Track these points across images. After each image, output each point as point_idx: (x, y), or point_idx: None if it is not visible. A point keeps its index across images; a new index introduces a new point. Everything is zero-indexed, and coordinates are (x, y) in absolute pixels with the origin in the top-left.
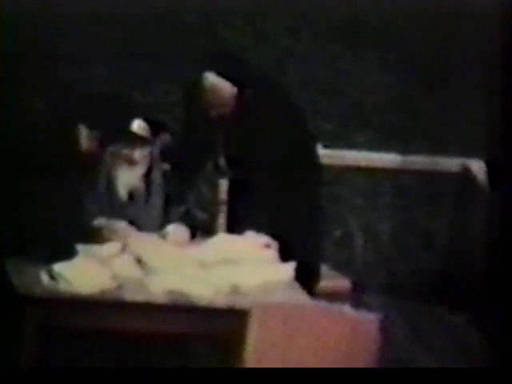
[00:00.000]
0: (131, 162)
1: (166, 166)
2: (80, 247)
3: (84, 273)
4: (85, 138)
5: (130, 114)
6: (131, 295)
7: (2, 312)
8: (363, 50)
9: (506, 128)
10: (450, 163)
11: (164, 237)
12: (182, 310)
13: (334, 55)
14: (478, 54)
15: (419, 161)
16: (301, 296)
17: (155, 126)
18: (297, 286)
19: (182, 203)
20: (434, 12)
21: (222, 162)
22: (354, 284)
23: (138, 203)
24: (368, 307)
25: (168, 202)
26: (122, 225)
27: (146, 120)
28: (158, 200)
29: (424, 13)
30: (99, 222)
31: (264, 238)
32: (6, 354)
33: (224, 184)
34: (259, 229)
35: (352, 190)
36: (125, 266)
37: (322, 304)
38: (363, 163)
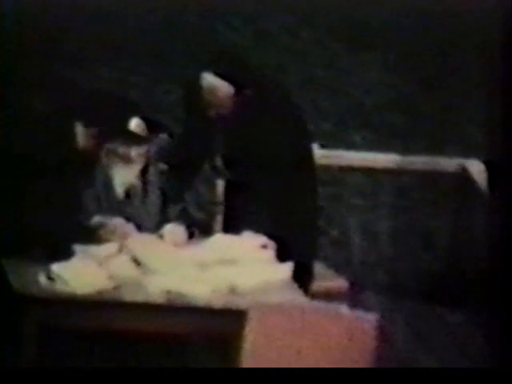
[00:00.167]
0: (128, 161)
1: (163, 166)
2: (78, 247)
3: (82, 273)
4: (82, 136)
5: (127, 113)
6: (129, 295)
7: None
8: (363, 50)
9: (506, 128)
10: (450, 163)
11: (162, 237)
12: (179, 310)
13: (334, 55)
14: (478, 54)
15: (418, 161)
16: (298, 296)
17: (153, 125)
18: (294, 286)
19: (179, 202)
20: (434, 12)
21: (220, 162)
22: (352, 284)
23: (135, 201)
24: (367, 307)
25: (165, 200)
26: (119, 221)
27: (144, 119)
28: (155, 198)
29: (424, 13)
30: (96, 220)
31: (262, 239)
32: (3, 353)
33: (221, 184)
34: (257, 229)
35: (351, 190)
36: (122, 267)
37: (320, 304)
38: (362, 163)
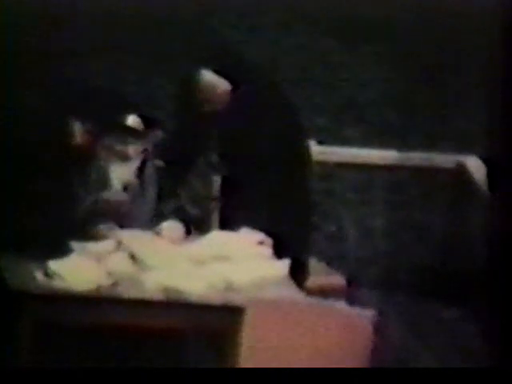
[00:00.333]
0: (125, 157)
1: (160, 162)
2: (75, 244)
3: (79, 270)
4: (78, 132)
5: (124, 109)
6: (126, 292)
7: None
8: (358, 45)
9: (506, 125)
10: (445, 159)
11: (158, 233)
12: (176, 306)
13: (329, 50)
14: (474, 49)
15: (414, 156)
16: (295, 292)
17: (149, 122)
18: (291, 282)
19: (175, 198)
20: (429, 7)
21: (215, 158)
22: (348, 280)
23: (131, 198)
24: (363, 303)
25: (161, 196)
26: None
27: (140, 115)
28: (151, 195)
29: (418, 8)
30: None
31: (258, 235)
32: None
33: (217, 180)
34: (253, 225)
35: (346, 186)
36: (119, 263)
37: (316, 300)
38: (357, 159)
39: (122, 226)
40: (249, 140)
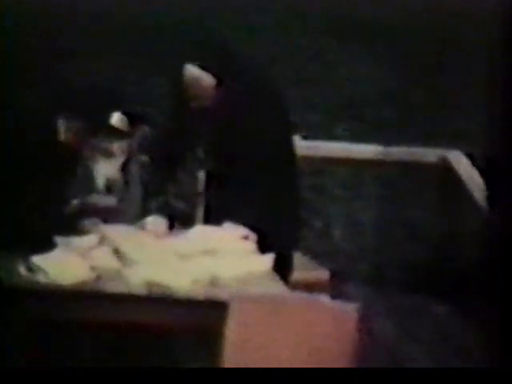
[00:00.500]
0: (109, 154)
1: (145, 158)
2: (58, 239)
3: (63, 264)
4: (64, 129)
5: (110, 107)
6: (110, 286)
7: None
8: (351, 44)
9: (505, 123)
10: (432, 154)
11: (142, 228)
12: (160, 301)
13: (323, 48)
14: (469, 47)
15: (401, 152)
16: (279, 287)
17: (134, 118)
18: (276, 277)
19: (160, 194)
20: (431, 8)
21: (201, 153)
22: (335, 275)
23: (115, 194)
24: (350, 298)
25: (147, 192)
26: (96, 221)
27: (126, 113)
28: (136, 191)
29: (420, 9)
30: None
31: (243, 230)
32: None
33: (202, 176)
34: (238, 220)
35: (334, 181)
36: (103, 258)
37: (301, 295)
38: (346, 154)
39: (106, 221)
40: (235, 135)
